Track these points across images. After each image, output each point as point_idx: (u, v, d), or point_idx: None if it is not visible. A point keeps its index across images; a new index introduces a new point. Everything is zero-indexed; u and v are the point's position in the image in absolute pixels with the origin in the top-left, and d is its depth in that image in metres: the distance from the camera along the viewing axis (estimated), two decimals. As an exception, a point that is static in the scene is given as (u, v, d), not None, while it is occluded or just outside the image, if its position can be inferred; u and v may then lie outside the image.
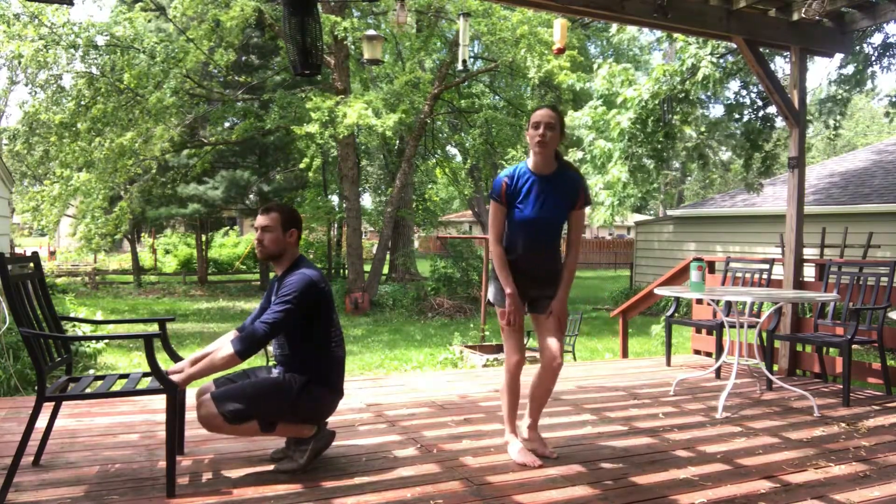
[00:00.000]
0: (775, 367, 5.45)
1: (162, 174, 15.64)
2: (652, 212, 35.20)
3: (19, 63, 11.34)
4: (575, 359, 7.39)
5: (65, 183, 12.04)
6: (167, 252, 23.39)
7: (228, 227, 27.49)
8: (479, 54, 18.40)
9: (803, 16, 4.89)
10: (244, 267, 22.34)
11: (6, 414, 3.89)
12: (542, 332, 3.21)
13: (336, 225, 20.18)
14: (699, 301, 6.30)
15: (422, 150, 17.91)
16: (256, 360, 5.77)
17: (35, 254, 3.21)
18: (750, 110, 9.58)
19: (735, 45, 5.93)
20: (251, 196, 18.39)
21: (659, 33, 9.82)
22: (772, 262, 5.61)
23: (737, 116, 9.64)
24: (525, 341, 4.03)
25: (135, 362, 7.98)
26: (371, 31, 7.81)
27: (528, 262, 3.22)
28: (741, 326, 4.67)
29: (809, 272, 5.99)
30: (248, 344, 2.83)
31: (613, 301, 15.12)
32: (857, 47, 9.29)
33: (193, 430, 3.25)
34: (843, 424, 3.95)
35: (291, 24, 3.73)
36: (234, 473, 2.99)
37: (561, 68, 12.20)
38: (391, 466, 3.11)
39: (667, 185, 28.05)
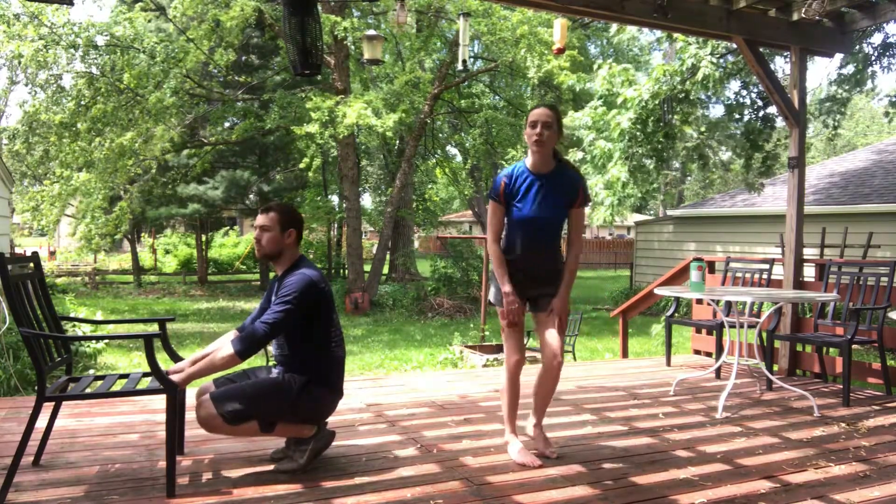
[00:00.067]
0: (775, 367, 5.45)
1: (162, 174, 15.64)
2: (652, 212, 35.20)
3: (19, 63, 11.35)
4: (575, 359, 7.39)
5: (65, 183, 12.04)
6: (167, 252, 23.39)
7: (228, 227, 27.49)
8: (479, 54, 18.40)
9: (803, 16, 4.89)
10: (244, 267, 22.34)
11: (6, 414, 3.89)
12: (543, 330, 3.21)
13: (336, 225, 20.18)
14: (699, 301, 6.30)
15: (422, 150, 17.91)
16: (256, 360, 5.77)
17: (35, 254, 3.21)
18: (750, 110, 9.58)
19: (735, 45, 5.93)
20: (251, 196, 18.39)
21: (659, 33, 9.82)
22: (772, 262, 5.61)
23: (737, 116, 9.65)
24: (525, 341, 4.03)
25: (135, 362, 7.98)
26: (371, 31, 7.81)
27: (527, 261, 3.22)
28: (741, 326, 4.67)
29: (809, 272, 5.99)
30: (248, 344, 2.83)
31: (613, 301, 15.12)
32: (857, 47, 9.29)
33: (193, 430, 3.25)
34: (843, 424, 3.95)
35: (291, 24, 3.73)
36: (234, 473, 2.99)
37: (561, 68, 12.20)
38: (391, 466, 3.11)
39: (667, 185, 28.05)
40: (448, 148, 21.06)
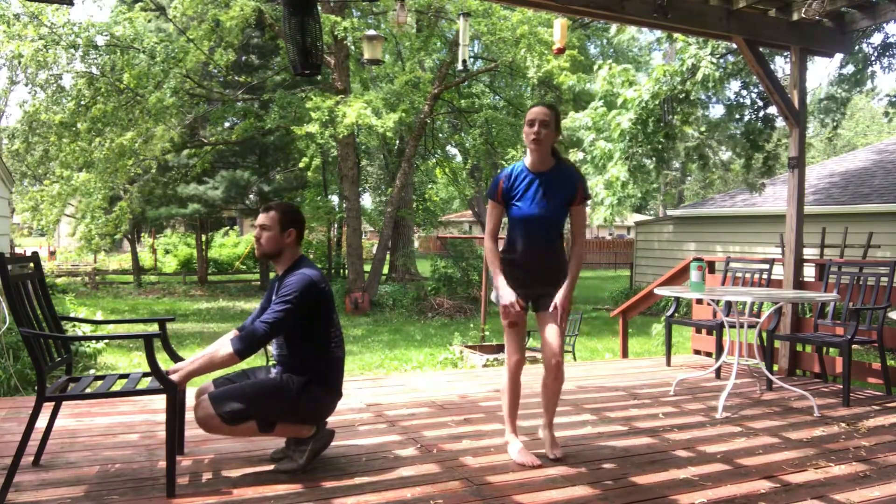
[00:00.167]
0: (775, 367, 5.45)
1: (162, 174, 15.64)
2: (652, 212, 35.20)
3: (19, 63, 11.34)
4: (575, 359, 7.39)
5: (65, 183, 12.04)
6: (167, 252, 23.39)
7: (228, 227, 27.49)
8: (479, 54, 18.40)
9: (803, 16, 4.89)
10: (244, 267, 22.34)
11: (6, 414, 3.89)
12: (543, 330, 3.21)
13: (336, 225, 20.18)
14: (699, 301, 6.30)
15: (422, 150, 17.90)
16: (256, 360, 5.77)
17: (35, 254, 3.21)
18: (750, 110, 9.58)
19: (735, 45, 5.93)
20: (251, 196, 18.39)
21: (659, 33, 9.82)
22: (772, 262, 5.61)
23: (737, 116, 9.65)
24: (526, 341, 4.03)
25: (135, 362, 7.97)
26: (371, 31, 7.81)
27: (528, 259, 3.21)
28: (741, 326, 4.67)
29: (809, 272, 5.99)
30: (247, 343, 2.83)
31: (613, 301, 15.12)
32: (857, 47, 9.29)
33: (193, 430, 3.24)
34: (843, 424, 3.95)
35: (291, 24, 3.73)
36: (234, 473, 2.99)
37: (561, 68, 12.20)
38: (391, 466, 3.11)
39: (667, 185, 28.06)
40: (448, 148, 21.05)
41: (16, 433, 3.22)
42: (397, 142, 18.90)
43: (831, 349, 5.25)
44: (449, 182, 22.25)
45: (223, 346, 2.89)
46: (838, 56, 8.01)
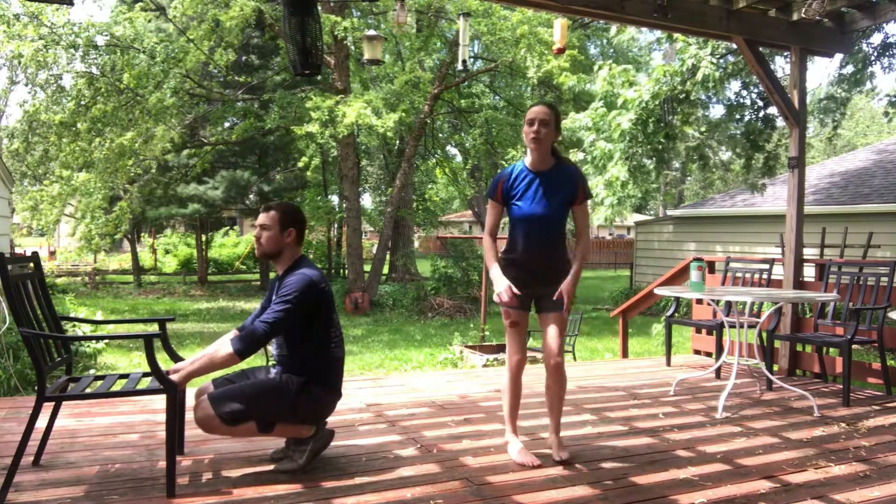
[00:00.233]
0: (775, 367, 5.45)
1: (162, 174, 15.63)
2: (652, 212, 35.20)
3: (19, 63, 11.34)
4: (575, 359, 7.39)
5: (65, 183, 12.04)
6: (167, 252, 23.40)
7: (228, 227, 27.49)
8: (479, 54, 18.39)
9: (803, 16, 4.89)
10: (244, 267, 22.34)
11: (6, 414, 3.89)
12: (544, 330, 3.21)
13: (336, 225, 20.18)
14: (699, 301, 6.30)
15: (422, 150, 17.90)
16: (256, 360, 5.77)
17: (35, 254, 3.21)
18: (750, 110, 9.59)
19: (735, 46, 5.93)
20: (251, 196, 18.39)
21: (659, 33, 9.82)
22: (772, 262, 5.61)
23: (737, 117, 9.65)
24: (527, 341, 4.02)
25: (135, 362, 7.97)
26: (371, 31, 7.81)
27: (528, 258, 3.21)
28: (741, 326, 4.67)
29: (809, 272, 5.99)
30: (247, 343, 2.83)
31: (613, 301, 15.12)
32: (857, 47, 9.29)
33: (193, 430, 3.24)
34: (843, 424, 3.95)
35: (291, 24, 3.73)
36: (234, 473, 2.99)
37: (561, 68, 12.19)
38: (391, 466, 3.11)
39: (667, 185, 28.05)
40: (448, 148, 21.05)
41: (16, 433, 3.22)
42: (397, 142, 18.89)
43: (831, 349, 5.25)
44: (449, 182, 22.26)
45: (223, 346, 2.89)
46: (838, 56, 8.01)
